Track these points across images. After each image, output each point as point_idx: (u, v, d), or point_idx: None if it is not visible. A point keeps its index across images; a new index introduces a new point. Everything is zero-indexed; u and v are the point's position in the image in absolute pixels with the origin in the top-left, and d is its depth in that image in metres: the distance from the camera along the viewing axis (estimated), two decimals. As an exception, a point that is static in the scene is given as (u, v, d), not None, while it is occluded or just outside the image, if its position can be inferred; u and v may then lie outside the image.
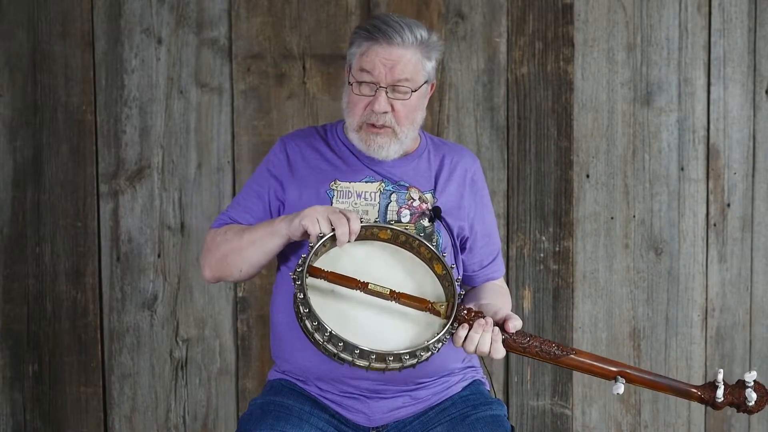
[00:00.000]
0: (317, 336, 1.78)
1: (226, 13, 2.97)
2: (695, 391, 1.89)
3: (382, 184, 2.08)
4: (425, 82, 2.05)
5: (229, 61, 2.98)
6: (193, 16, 2.97)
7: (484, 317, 1.85)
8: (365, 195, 2.07)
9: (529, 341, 1.87)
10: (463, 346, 1.84)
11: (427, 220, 2.06)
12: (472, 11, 2.94)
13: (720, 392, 1.87)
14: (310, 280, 1.84)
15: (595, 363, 1.88)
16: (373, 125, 2.02)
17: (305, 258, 1.83)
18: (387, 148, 2.04)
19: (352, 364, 1.79)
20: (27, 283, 3.04)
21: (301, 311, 1.79)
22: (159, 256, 3.02)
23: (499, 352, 1.85)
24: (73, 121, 3.01)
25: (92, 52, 2.99)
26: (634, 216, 2.96)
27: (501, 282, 2.24)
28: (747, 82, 2.93)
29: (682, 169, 2.95)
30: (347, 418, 2.07)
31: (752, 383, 1.89)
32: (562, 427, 3.01)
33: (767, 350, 2.99)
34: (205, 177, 3.00)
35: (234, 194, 2.97)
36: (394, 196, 2.07)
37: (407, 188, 2.08)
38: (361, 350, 1.76)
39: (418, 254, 1.96)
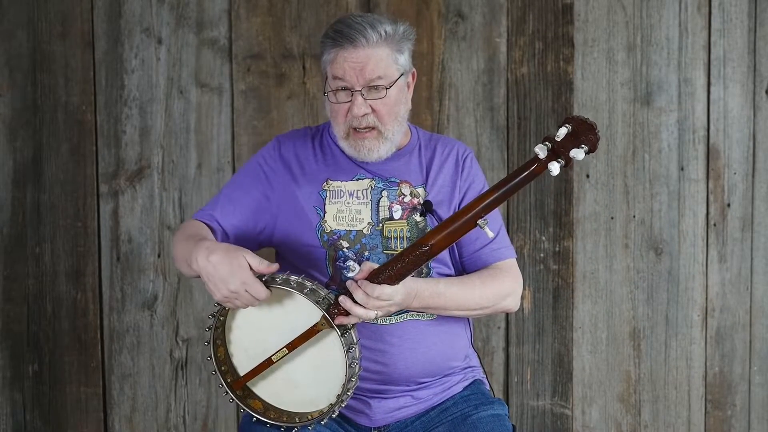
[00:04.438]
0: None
1: (226, 13, 2.97)
2: (536, 165, 1.76)
3: (373, 181, 2.08)
4: (402, 74, 2.03)
5: (229, 61, 2.98)
6: (193, 16, 2.97)
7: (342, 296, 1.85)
8: (357, 194, 2.07)
9: (392, 270, 1.84)
10: (363, 319, 1.85)
11: (418, 214, 2.06)
12: (472, 11, 2.94)
13: (543, 152, 1.74)
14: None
15: (452, 229, 1.82)
16: (358, 130, 2.02)
17: (228, 383, 1.98)
18: (377, 150, 2.04)
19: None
20: (27, 283, 3.04)
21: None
22: (159, 256, 3.02)
23: (385, 293, 1.84)
24: (73, 121, 3.01)
25: (92, 52, 2.99)
26: (634, 216, 2.96)
27: (495, 265, 2.11)
28: (747, 82, 2.93)
29: (682, 169, 2.95)
30: (349, 418, 2.07)
31: (566, 128, 1.74)
32: (562, 427, 3.01)
33: (767, 350, 2.99)
34: (205, 177, 3.00)
35: (234, 194, 2.97)
36: (385, 193, 2.07)
37: (398, 184, 2.08)
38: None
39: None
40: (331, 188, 2.08)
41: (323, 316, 1.84)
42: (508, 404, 2.96)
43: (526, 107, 2.95)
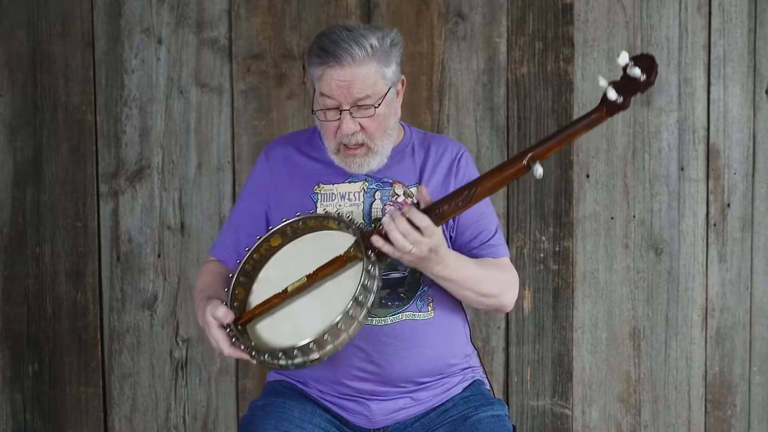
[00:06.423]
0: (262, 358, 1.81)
1: (226, 13, 2.97)
2: (597, 113, 1.80)
3: (366, 183, 2.07)
4: (390, 87, 2.01)
5: (229, 61, 2.98)
6: (193, 16, 2.97)
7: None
8: (349, 196, 2.07)
9: (444, 208, 1.82)
10: (397, 248, 1.81)
11: None
12: (472, 11, 2.94)
13: (613, 93, 1.77)
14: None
15: (502, 172, 1.81)
16: (348, 147, 2.01)
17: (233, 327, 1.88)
18: (368, 165, 2.03)
19: (306, 363, 1.79)
20: (27, 283, 3.04)
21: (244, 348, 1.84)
22: (159, 256, 3.02)
23: (429, 228, 1.82)
24: (73, 121, 3.01)
25: (92, 52, 2.99)
26: (634, 216, 2.96)
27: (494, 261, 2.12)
28: (747, 82, 2.93)
29: (682, 169, 2.95)
30: (348, 420, 2.06)
31: (629, 62, 1.79)
32: (562, 427, 3.01)
33: (767, 350, 2.99)
34: (205, 177, 3.00)
35: (234, 195, 2.97)
36: (378, 194, 2.06)
37: (391, 184, 2.07)
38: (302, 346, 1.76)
39: (312, 229, 1.95)
40: (322, 191, 2.07)
41: (356, 241, 1.81)
42: (508, 404, 2.96)
43: (526, 107, 2.95)
